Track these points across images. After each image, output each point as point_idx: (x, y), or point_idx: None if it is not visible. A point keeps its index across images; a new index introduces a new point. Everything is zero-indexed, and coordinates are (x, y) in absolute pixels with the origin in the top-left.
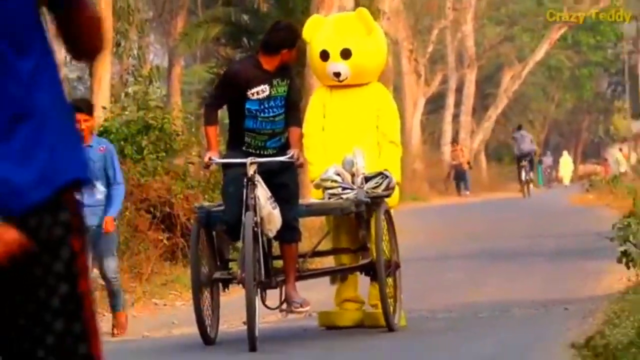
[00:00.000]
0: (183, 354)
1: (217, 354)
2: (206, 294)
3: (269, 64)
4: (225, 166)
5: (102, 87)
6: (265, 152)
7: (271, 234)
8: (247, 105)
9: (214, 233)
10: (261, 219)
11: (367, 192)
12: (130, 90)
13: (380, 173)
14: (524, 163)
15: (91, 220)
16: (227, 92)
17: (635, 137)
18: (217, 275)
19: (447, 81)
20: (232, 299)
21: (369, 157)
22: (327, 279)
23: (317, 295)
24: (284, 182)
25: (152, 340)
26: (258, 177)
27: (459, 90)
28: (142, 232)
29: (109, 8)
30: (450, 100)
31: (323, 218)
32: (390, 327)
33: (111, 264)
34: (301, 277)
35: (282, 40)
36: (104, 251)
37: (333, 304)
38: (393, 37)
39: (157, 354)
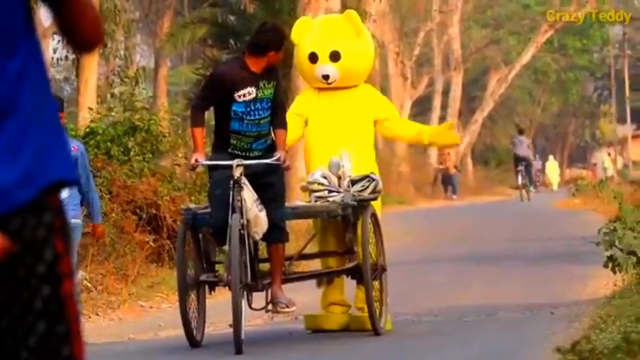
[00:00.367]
0: (169, 357)
1: (203, 356)
2: (192, 296)
3: (255, 65)
4: (211, 168)
5: (88, 88)
6: (251, 154)
7: (257, 237)
8: (234, 108)
9: (200, 235)
10: (247, 221)
11: (353, 195)
12: (116, 91)
13: (367, 176)
14: (520, 167)
15: None
16: (214, 93)
17: (621, 141)
18: (203, 277)
19: (433, 84)
20: (219, 301)
21: (356, 159)
22: (313, 281)
23: (303, 298)
24: (270, 182)
25: (139, 343)
26: (244, 180)
27: (446, 93)
28: (128, 233)
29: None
30: (437, 102)
31: (310, 221)
32: (376, 331)
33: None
34: (287, 279)
35: (269, 41)
36: None
37: (319, 307)
38: (379, 39)
39: (143, 356)
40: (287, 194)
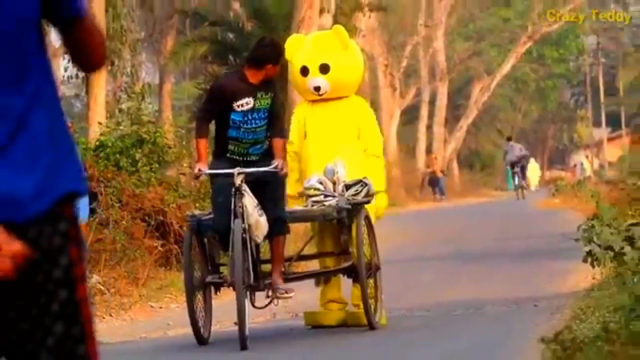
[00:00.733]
0: (178, 354)
1: (210, 353)
2: (199, 296)
3: (253, 77)
4: (213, 176)
5: (98, 104)
6: (249, 158)
7: (259, 240)
8: (232, 116)
9: (205, 239)
10: (249, 226)
11: (347, 199)
12: (124, 106)
13: (360, 181)
14: (516, 169)
15: None
16: (215, 104)
17: (597, 143)
18: (208, 279)
19: (420, 94)
20: (224, 301)
21: (349, 166)
22: (312, 281)
23: (302, 297)
24: (270, 180)
25: (149, 341)
26: (245, 187)
27: (432, 102)
28: (137, 239)
29: (103, 29)
30: (424, 111)
31: (308, 224)
32: (371, 326)
33: None
34: (287, 279)
35: (267, 55)
36: None
37: (318, 305)
38: (369, 53)
39: (154, 353)
40: (285, 196)
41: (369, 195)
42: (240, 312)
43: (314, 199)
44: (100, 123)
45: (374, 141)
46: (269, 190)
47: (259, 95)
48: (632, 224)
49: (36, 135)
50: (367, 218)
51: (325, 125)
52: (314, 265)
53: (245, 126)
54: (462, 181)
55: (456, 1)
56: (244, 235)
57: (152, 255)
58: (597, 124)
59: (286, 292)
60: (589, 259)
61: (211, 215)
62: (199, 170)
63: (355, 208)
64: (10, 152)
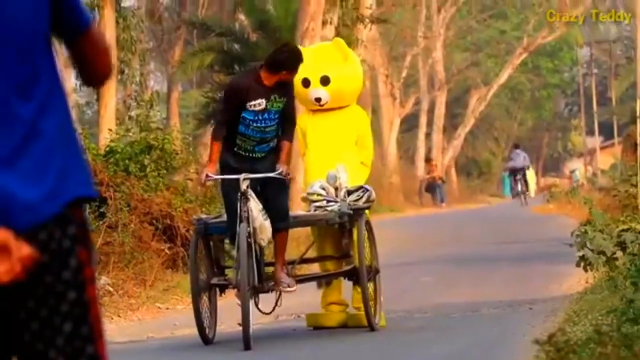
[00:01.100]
0: (185, 353)
1: (215, 352)
2: (204, 298)
3: (268, 80)
4: (220, 171)
5: (108, 112)
6: (254, 155)
7: (263, 243)
8: (244, 114)
9: (210, 242)
10: (254, 229)
11: (349, 205)
12: (133, 113)
13: (361, 187)
14: (519, 177)
15: None
16: (231, 104)
17: (590, 152)
18: (214, 281)
19: (419, 103)
20: (229, 302)
21: (350, 172)
22: (314, 283)
23: (304, 299)
24: (274, 181)
25: (157, 341)
26: (250, 192)
27: (431, 111)
28: (145, 242)
29: (113, 39)
30: (423, 120)
31: (309, 228)
32: (371, 327)
33: None
34: None
35: (284, 62)
36: None
37: (319, 307)
38: (370, 63)
39: (161, 353)
40: (289, 202)
41: (370, 201)
42: (244, 314)
43: (317, 204)
44: (110, 130)
45: (367, 151)
46: (273, 188)
47: (272, 97)
48: (624, 230)
49: (47, 141)
50: (368, 223)
51: (325, 134)
52: (315, 268)
53: (254, 125)
54: (460, 188)
55: (454, 14)
56: (249, 238)
57: (160, 257)
58: (590, 132)
59: (289, 286)
60: (582, 264)
61: (217, 219)
62: (207, 176)
63: (357, 213)
64: (22, 158)
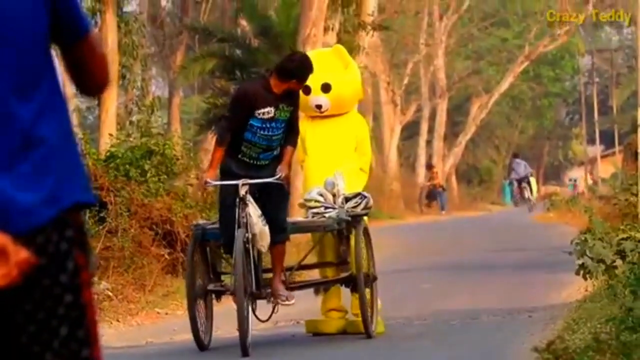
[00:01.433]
0: (184, 359)
1: (213, 358)
2: (201, 304)
3: (276, 87)
4: (221, 176)
5: (109, 116)
6: (258, 162)
7: (263, 249)
8: (251, 121)
9: (207, 248)
10: (253, 235)
11: (347, 211)
12: (134, 118)
13: (359, 194)
14: (524, 184)
15: None
16: (240, 111)
17: (591, 160)
18: (210, 287)
19: (421, 110)
20: (228, 307)
21: (348, 179)
22: (312, 289)
23: (303, 305)
24: (274, 190)
25: (155, 346)
26: (249, 197)
27: (432, 118)
28: (145, 247)
29: (114, 44)
30: (424, 127)
31: (310, 234)
32: (368, 334)
33: None
34: (288, 288)
35: (293, 70)
36: None
37: (318, 313)
38: (372, 70)
39: (160, 358)
40: (288, 208)
41: (367, 208)
42: (241, 320)
43: (314, 210)
44: (111, 135)
45: (365, 157)
46: (273, 197)
47: (280, 106)
48: (624, 239)
49: (46, 145)
50: (365, 229)
51: (325, 140)
52: (316, 274)
53: (261, 132)
54: (460, 195)
55: (456, 21)
56: (247, 244)
57: (159, 263)
58: (591, 141)
59: (287, 299)
60: (582, 272)
61: (215, 225)
62: (206, 182)
63: (355, 220)
64: (21, 162)
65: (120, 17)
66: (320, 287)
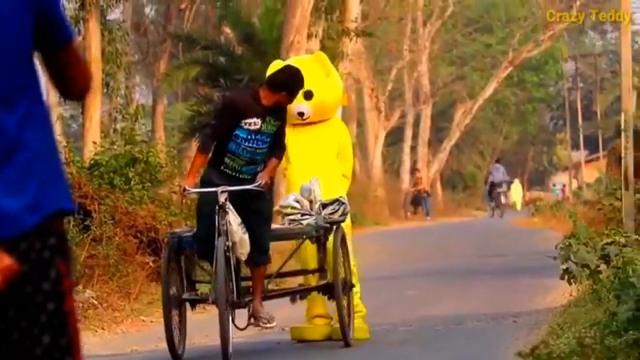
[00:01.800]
0: None
1: None
2: (175, 313)
3: (266, 99)
4: (201, 186)
5: (93, 124)
6: (241, 176)
7: (243, 257)
8: (237, 132)
9: (183, 257)
10: (233, 243)
11: (324, 218)
12: (118, 126)
13: (337, 200)
14: (499, 190)
15: None
16: (226, 119)
17: (575, 165)
18: (185, 295)
19: (405, 116)
20: (211, 315)
21: (330, 185)
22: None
23: (286, 312)
24: (258, 209)
25: (140, 354)
26: (229, 205)
27: (416, 124)
28: (130, 255)
29: (98, 52)
30: (408, 133)
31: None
32: (346, 343)
33: None
34: (265, 297)
35: (284, 83)
36: None
37: (302, 319)
38: (355, 76)
39: None
40: (271, 221)
41: (345, 214)
42: (223, 329)
43: (291, 217)
44: (94, 143)
45: (348, 163)
46: (257, 217)
47: (267, 119)
48: (608, 243)
49: (30, 153)
50: (343, 237)
51: (307, 147)
52: (299, 281)
53: (246, 144)
54: (445, 201)
55: (440, 27)
56: (227, 253)
57: (144, 270)
58: (575, 146)
59: (268, 322)
60: (566, 277)
61: (191, 233)
62: (184, 189)
63: (332, 226)
64: (4, 170)
65: (103, 25)
66: (297, 295)
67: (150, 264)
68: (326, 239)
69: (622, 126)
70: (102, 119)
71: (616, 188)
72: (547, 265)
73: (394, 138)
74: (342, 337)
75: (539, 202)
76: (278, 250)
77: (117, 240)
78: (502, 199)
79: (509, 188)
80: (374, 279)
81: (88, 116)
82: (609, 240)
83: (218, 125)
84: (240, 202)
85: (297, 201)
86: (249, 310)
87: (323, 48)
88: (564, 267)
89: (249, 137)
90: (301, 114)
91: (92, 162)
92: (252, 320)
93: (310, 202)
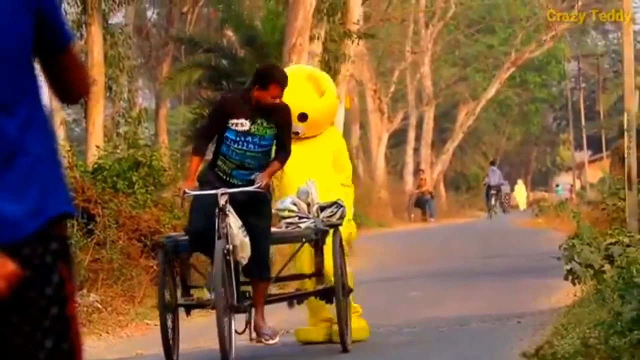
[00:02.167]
0: None
1: None
2: (170, 318)
3: (259, 97)
4: (200, 187)
5: (96, 128)
6: (231, 180)
7: (244, 261)
8: (226, 133)
9: (178, 261)
10: (234, 247)
11: (323, 221)
12: (121, 130)
13: (335, 202)
14: (493, 192)
15: None
16: (216, 119)
17: (578, 166)
18: (180, 301)
19: (408, 117)
20: (211, 320)
21: (325, 191)
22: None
23: (290, 315)
24: (257, 217)
25: (145, 358)
26: (229, 207)
27: (419, 125)
28: (134, 259)
29: (100, 56)
30: (411, 134)
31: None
32: (344, 347)
33: None
34: (265, 302)
35: (271, 73)
36: None
37: (305, 322)
38: (358, 78)
39: None
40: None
41: (342, 217)
42: (221, 334)
43: (288, 220)
44: (98, 147)
45: (345, 172)
46: (256, 227)
47: (258, 120)
48: (612, 243)
49: (31, 158)
50: (339, 241)
51: (301, 162)
52: (295, 284)
53: (235, 146)
54: (448, 202)
55: (442, 29)
56: (227, 256)
57: (148, 274)
58: (578, 147)
59: (271, 337)
60: (570, 277)
61: (186, 237)
62: (184, 192)
63: (331, 229)
64: (5, 175)
65: (106, 29)
66: (294, 300)
67: (155, 267)
68: (323, 242)
69: (625, 126)
70: (105, 122)
71: (619, 188)
72: (551, 265)
73: (397, 140)
74: (341, 343)
75: (542, 203)
76: (281, 253)
77: (121, 244)
78: (493, 201)
79: (512, 189)
80: (377, 280)
81: (91, 120)
82: (613, 240)
83: (207, 124)
84: (240, 209)
85: (295, 204)
86: (247, 316)
87: (325, 50)
88: (568, 267)
89: (237, 138)
90: (296, 133)
91: (95, 166)
92: (254, 335)
93: (308, 205)
